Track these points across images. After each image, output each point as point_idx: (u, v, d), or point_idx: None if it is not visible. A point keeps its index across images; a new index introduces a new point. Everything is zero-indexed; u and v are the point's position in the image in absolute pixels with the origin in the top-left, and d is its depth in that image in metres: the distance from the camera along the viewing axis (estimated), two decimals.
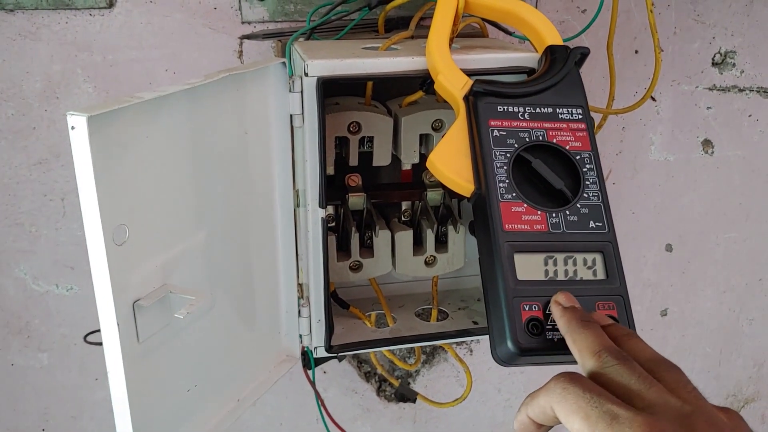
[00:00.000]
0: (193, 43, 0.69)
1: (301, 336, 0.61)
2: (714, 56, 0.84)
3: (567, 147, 0.47)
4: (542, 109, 0.48)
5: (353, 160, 0.61)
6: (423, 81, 0.54)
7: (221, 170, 0.51)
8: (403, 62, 0.52)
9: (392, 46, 0.57)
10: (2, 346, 0.78)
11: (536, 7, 0.54)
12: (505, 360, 0.41)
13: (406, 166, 0.63)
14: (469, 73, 0.49)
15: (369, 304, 0.67)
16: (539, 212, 0.44)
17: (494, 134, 0.46)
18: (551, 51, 0.51)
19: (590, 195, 0.45)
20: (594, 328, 0.37)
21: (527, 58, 0.53)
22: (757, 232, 0.95)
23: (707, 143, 0.88)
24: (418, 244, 0.65)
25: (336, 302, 0.65)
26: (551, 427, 0.36)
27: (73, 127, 0.37)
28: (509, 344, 0.40)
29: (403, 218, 0.65)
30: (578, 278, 0.43)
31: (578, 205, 0.45)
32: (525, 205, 0.44)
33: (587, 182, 0.46)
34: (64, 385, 0.81)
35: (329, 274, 0.57)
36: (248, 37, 0.70)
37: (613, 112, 0.68)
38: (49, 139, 0.69)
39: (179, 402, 0.51)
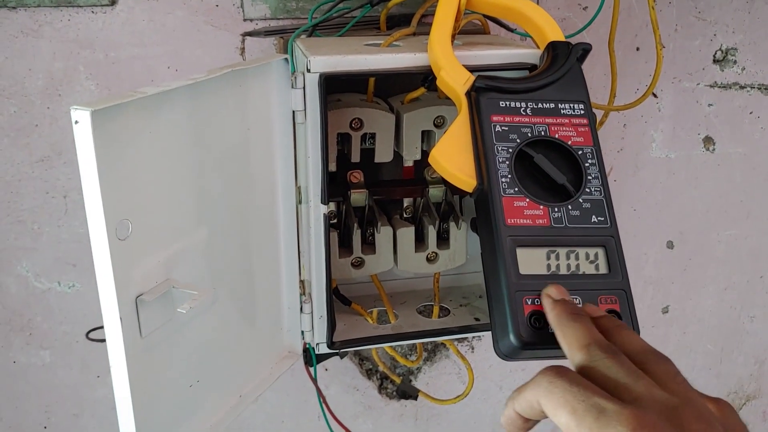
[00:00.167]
0: (195, 40, 0.69)
1: (303, 332, 0.61)
2: (715, 53, 0.84)
3: (569, 142, 0.47)
4: (544, 104, 0.48)
5: (355, 157, 0.61)
6: (425, 77, 0.54)
7: (223, 166, 0.51)
8: (406, 58, 0.52)
9: (394, 43, 0.57)
10: (4, 344, 0.78)
11: (538, 4, 0.54)
12: (507, 354, 0.41)
13: (408, 162, 0.63)
14: (471, 69, 0.50)
15: (371, 301, 0.67)
16: (541, 207, 0.44)
17: (496, 129, 0.46)
18: (553, 47, 0.51)
19: (592, 190, 0.45)
20: (583, 321, 0.37)
21: (529, 54, 0.53)
22: (758, 229, 0.95)
23: (708, 140, 0.88)
24: (420, 240, 0.65)
25: (338, 299, 0.65)
26: (538, 421, 0.36)
27: (76, 122, 0.38)
28: (512, 338, 0.40)
29: (404, 215, 0.66)
30: (580, 273, 0.43)
31: (580, 200, 0.45)
32: (527, 200, 0.44)
33: (589, 177, 0.46)
34: (65, 382, 0.81)
35: (331, 270, 0.57)
36: (250, 34, 0.70)
37: (615, 108, 0.68)
38: (51, 137, 0.69)
39: (182, 397, 0.51)
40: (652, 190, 0.90)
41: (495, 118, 0.47)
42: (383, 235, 0.63)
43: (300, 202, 0.57)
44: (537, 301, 0.41)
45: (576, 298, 0.41)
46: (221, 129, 0.50)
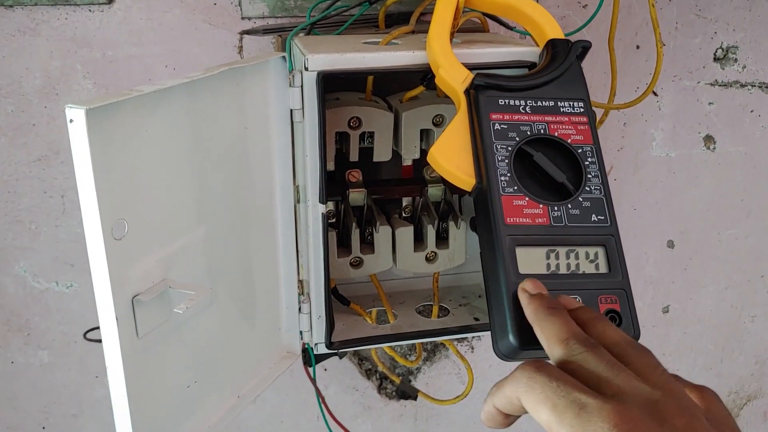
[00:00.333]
0: (192, 38, 0.69)
1: (301, 332, 0.60)
2: (716, 51, 0.83)
3: (569, 140, 0.46)
4: (544, 102, 0.48)
5: (354, 156, 0.61)
6: (424, 75, 0.53)
7: (221, 165, 0.51)
8: (404, 56, 0.52)
9: (393, 41, 0.56)
10: (2, 344, 0.77)
11: (537, 2, 0.54)
12: (506, 354, 0.41)
13: (407, 161, 0.63)
14: (470, 67, 0.49)
15: (369, 301, 0.66)
16: (541, 206, 0.44)
17: (495, 128, 0.46)
18: (552, 45, 0.50)
19: (592, 188, 0.45)
20: (561, 315, 0.36)
21: (528, 52, 0.53)
22: (758, 228, 0.95)
23: (709, 139, 0.88)
24: (419, 240, 0.65)
25: (336, 298, 0.65)
26: (518, 417, 0.35)
27: (71, 120, 0.37)
28: (511, 338, 0.40)
29: (403, 214, 0.65)
30: (580, 272, 0.43)
31: (580, 199, 0.45)
32: (527, 199, 0.44)
33: (589, 175, 0.45)
34: (64, 383, 0.81)
35: (330, 270, 0.56)
36: (248, 32, 0.69)
37: (615, 107, 0.68)
38: (48, 136, 0.69)
39: (179, 398, 0.51)
40: (653, 189, 0.89)
41: (494, 117, 0.46)
42: (382, 234, 0.62)
43: (298, 202, 0.57)
44: None
45: (576, 298, 0.41)
46: (218, 128, 0.50)
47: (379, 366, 0.87)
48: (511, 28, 0.68)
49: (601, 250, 0.43)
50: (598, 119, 0.62)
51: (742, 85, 0.86)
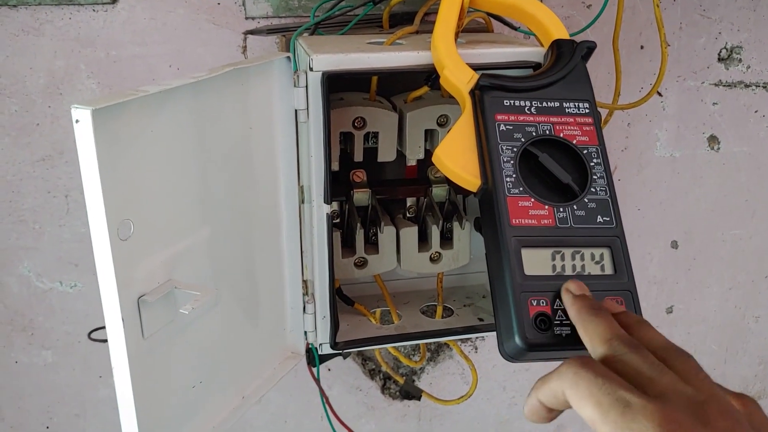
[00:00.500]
0: (196, 38, 0.69)
1: (305, 333, 0.60)
2: (720, 52, 0.83)
3: (574, 141, 0.46)
4: (549, 103, 0.47)
5: (358, 156, 0.61)
6: (428, 76, 0.53)
7: (225, 165, 0.51)
8: (409, 57, 0.52)
9: (397, 41, 0.56)
10: (6, 344, 0.77)
11: (542, 2, 0.54)
12: (512, 355, 0.41)
13: (411, 161, 0.63)
14: (475, 68, 0.49)
15: (374, 301, 0.66)
16: (546, 207, 0.44)
17: (501, 128, 0.46)
18: (557, 45, 0.50)
19: (598, 189, 0.45)
20: (605, 315, 0.37)
21: (533, 52, 0.53)
22: (763, 228, 0.95)
23: (713, 139, 0.88)
24: (423, 240, 0.65)
25: (341, 299, 0.64)
26: (561, 411, 0.35)
27: (77, 121, 0.37)
28: (517, 340, 0.40)
29: (408, 214, 0.65)
30: (586, 273, 0.43)
31: (586, 200, 0.44)
32: (532, 200, 0.44)
33: (594, 177, 0.45)
34: (67, 382, 0.81)
35: (334, 270, 0.56)
36: (252, 32, 0.69)
37: (619, 107, 0.68)
38: (52, 136, 0.69)
39: (184, 398, 0.51)
40: (657, 190, 0.89)
41: (499, 117, 0.46)
42: (386, 234, 0.62)
43: (303, 202, 0.57)
44: (542, 302, 0.41)
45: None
46: (223, 128, 0.50)
47: (383, 366, 0.87)
48: (515, 29, 0.68)
49: (606, 252, 0.43)
50: (602, 119, 0.62)
51: (747, 86, 0.85)
